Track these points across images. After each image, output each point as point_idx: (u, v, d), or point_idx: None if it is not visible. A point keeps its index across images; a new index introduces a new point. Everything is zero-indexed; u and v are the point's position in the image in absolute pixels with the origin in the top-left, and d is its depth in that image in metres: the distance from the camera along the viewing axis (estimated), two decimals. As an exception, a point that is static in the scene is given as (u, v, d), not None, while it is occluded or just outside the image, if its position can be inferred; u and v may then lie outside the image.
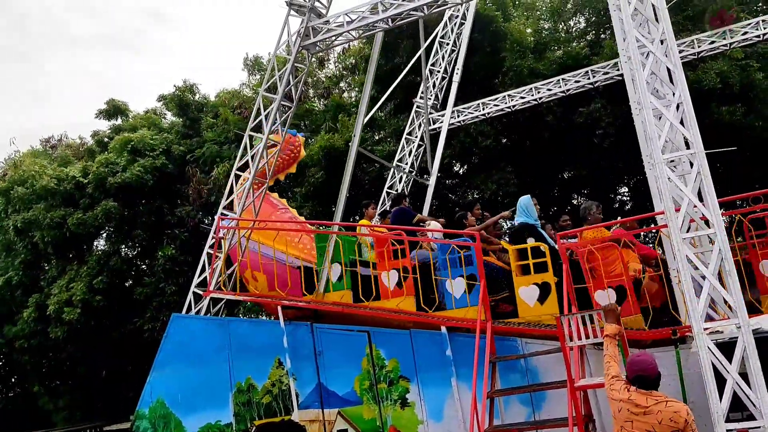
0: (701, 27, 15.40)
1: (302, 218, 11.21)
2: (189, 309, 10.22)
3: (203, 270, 10.47)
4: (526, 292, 8.16)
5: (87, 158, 21.52)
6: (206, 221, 19.23)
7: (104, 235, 20.83)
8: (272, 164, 10.74)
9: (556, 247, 8.45)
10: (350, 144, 10.65)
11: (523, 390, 7.45)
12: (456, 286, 8.53)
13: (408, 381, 8.35)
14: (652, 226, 8.30)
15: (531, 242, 8.46)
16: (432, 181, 14.18)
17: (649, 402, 4.48)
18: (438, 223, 10.39)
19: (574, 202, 19.57)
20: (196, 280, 10.43)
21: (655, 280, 7.97)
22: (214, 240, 10.48)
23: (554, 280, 8.08)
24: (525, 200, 9.30)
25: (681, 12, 16.04)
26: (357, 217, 16.26)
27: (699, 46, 13.54)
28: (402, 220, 10.09)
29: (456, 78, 14.87)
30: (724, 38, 13.35)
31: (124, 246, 20.77)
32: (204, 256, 10.55)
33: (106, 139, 21.61)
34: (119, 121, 22.32)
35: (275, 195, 11.81)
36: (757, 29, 13.18)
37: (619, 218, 14.62)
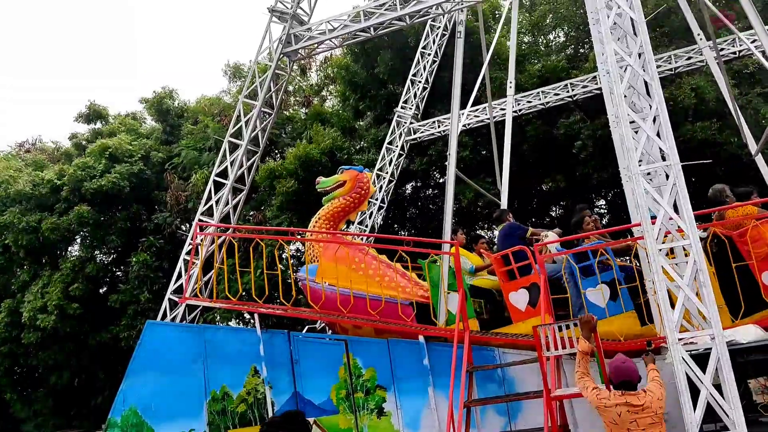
0: (678, 43, 15.69)
1: (397, 265, 10.12)
2: (164, 316, 10.09)
3: (179, 277, 10.35)
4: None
5: (64, 161, 21.23)
6: (183, 228, 19.05)
7: (79, 240, 20.53)
8: (341, 206, 9.96)
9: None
10: (447, 164, 9.80)
11: (500, 400, 7.45)
12: (599, 295, 7.76)
13: (385, 390, 8.30)
14: (623, 239, 8.29)
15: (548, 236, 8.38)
16: (504, 188, 13.13)
17: (641, 400, 4.92)
18: (554, 235, 9.40)
19: (553, 213, 19.74)
20: (171, 287, 10.31)
21: None
22: (191, 246, 10.37)
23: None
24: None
25: (658, 28, 16.33)
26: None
27: (675, 62, 13.80)
28: (514, 234, 9.17)
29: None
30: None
31: (99, 252, 20.48)
32: (180, 263, 10.44)
33: (84, 143, 21.34)
34: (98, 125, 22.07)
35: (373, 251, 10.18)
36: (733, 46, 13.47)
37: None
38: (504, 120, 15.26)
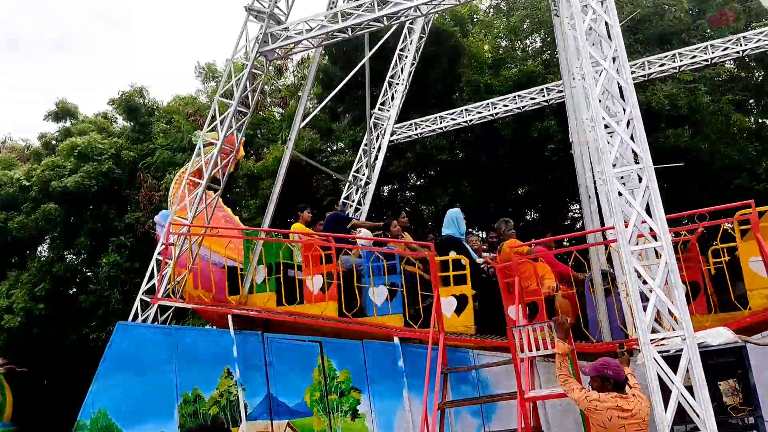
0: (651, 50, 15.94)
1: (237, 218, 11.02)
2: (135, 317, 9.91)
3: (152, 277, 10.18)
4: (445, 303, 8.27)
5: (33, 161, 20.79)
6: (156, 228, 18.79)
7: (48, 240, 20.13)
8: (210, 163, 10.58)
9: (479, 261, 8.63)
10: (285, 147, 10.52)
11: (474, 401, 7.47)
12: (378, 294, 8.60)
13: (359, 392, 8.27)
14: (584, 244, 8.61)
15: (453, 255, 8.61)
16: (371, 188, 13.97)
17: (630, 404, 4.83)
18: (369, 231, 10.31)
19: (528, 217, 19.88)
20: (143, 287, 10.13)
21: (569, 297, 8.29)
22: (163, 246, 10.22)
23: (472, 293, 8.24)
24: (454, 213, 9.53)
25: (632, 35, 16.57)
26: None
27: (649, 68, 13.98)
28: (335, 225, 10.00)
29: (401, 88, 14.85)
30: (706, 52, 13.65)
31: (68, 252, 20.09)
32: (153, 263, 10.27)
33: (53, 142, 20.93)
34: (68, 124, 21.66)
35: (211, 193, 11.60)
36: (705, 53, 13.68)
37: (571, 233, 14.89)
38: (478, 124, 15.42)
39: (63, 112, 21.59)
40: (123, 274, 18.25)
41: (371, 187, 14.20)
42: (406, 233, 9.98)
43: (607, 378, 4.91)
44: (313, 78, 11.59)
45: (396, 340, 8.14)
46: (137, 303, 10.01)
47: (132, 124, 20.54)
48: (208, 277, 9.69)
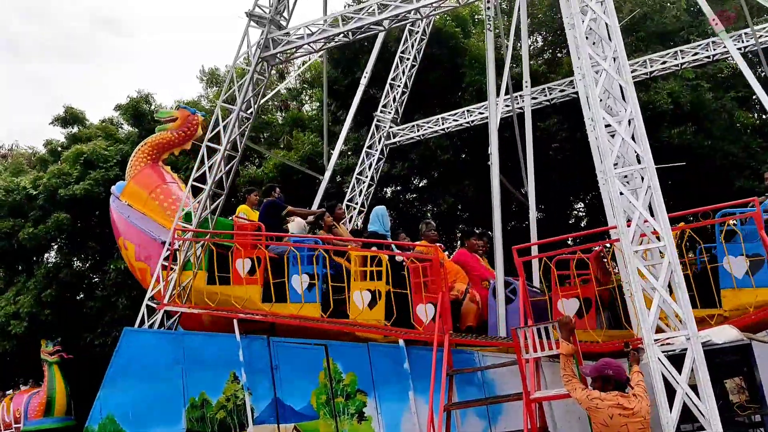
0: (653, 47, 15.91)
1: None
2: (142, 323, 9.96)
3: (157, 282, 10.23)
4: (359, 296, 8.58)
5: (39, 168, 20.87)
6: (162, 233, 18.84)
7: (55, 247, 20.20)
8: (168, 138, 11.08)
9: (398, 259, 8.99)
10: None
11: (480, 403, 7.47)
12: (300, 283, 8.87)
13: (365, 395, 8.28)
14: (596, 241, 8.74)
15: (374, 250, 8.89)
16: (326, 177, 14.10)
17: (632, 403, 4.86)
18: (302, 220, 10.57)
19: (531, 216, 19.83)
20: (149, 293, 10.18)
21: (475, 302, 8.73)
22: (168, 252, 10.26)
23: (386, 289, 8.47)
24: (380, 210, 9.97)
25: (634, 32, 16.55)
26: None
27: (651, 66, 13.96)
28: (270, 212, 10.15)
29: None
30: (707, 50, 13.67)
31: (76, 258, 20.17)
32: (158, 268, 10.31)
33: (59, 148, 21.02)
34: (75, 129, 21.75)
35: (168, 168, 11.89)
36: (707, 50, 13.65)
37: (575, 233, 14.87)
38: (480, 124, 15.40)
39: (70, 117, 21.68)
40: (129, 279, 18.30)
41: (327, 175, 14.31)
42: (340, 225, 10.46)
43: (608, 378, 4.96)
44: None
45: (401, 342, 8.15)
46: (143, 309, 10.06)
47: (138, 130, 20.62)
48: (151, 249, 10.11)
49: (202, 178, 10.73)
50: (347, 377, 8.42)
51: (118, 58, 61.28)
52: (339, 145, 10.86)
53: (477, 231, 9.81)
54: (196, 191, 10.72)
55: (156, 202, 10.81)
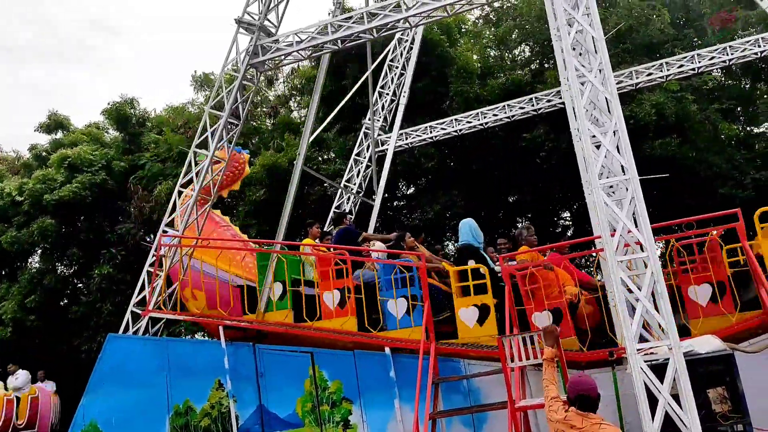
0: (639, 59, 16.10)
1: (245, 236, 10.86)
2: (126, 329, 9.90)
3: (142, 288, 10.18)
4: (466, 313, 8.22)
5: (23, 173, 20.71)
6: (148, 239, 18.74)
7: (39, 252, 20.03)
8: (217, 181, 10.57)
9: (497, 269, 8.60)
10: (295, 162, 10.45)
11: (465, 411, 7.48)
12: (398, 307, 8.51)
13: (351, 403, 8.27)
14: (587, 250, 8.64)
15: (472, 264, 8.51)
16: (377, 202, 14.06)
17: (584, 423, 4.54)
18: (382, 244, 10.21)
19: (519, 225, 19.96)
20: (134, 299, 10.13)
21: (591, 303, 8.23)
22: (154, 258, 10.22)
23: (493, 302, 8.17)
24: (469, 222, 9.33)
25: (620, 45, 16.74)
26: (302, 236, 16.10)
27: (637, 78, 14.12)
28: (346, 239, 9.91)
29: (403, 101, 14.96)
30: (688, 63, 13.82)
31: (60, 264, 20.00)
32: (144, 275, 10.26)
33: (44, 153, 20.87)
34: (60, 135, 21.61)
35: (218, 212, 11.56)
36: (692, 63, 13.83)
37: (560, 242, 14.95)
38: (468, 133, 15.51)
39: (55, 123, 21.55)
40: (114, 285, 18.20)
41: (378, 198, 14.14)
42: (420, 245, 9.87)
43: (576, 395, 4.80)
44: (320, 90, 11.44)
45: (387, 350, 8.15)
46: (128, 315, 10.00)
47: (122, 134, 20.54)
48: (224, 295, 9.52)
49: (188, 184, 10.72)
50: (333, 385, 8.41)
51: (110, 63, 60.88)
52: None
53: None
54: (182, 196, 10.73)
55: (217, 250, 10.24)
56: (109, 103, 19.97)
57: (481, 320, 8.15)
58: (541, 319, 7.62)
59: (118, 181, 19.21)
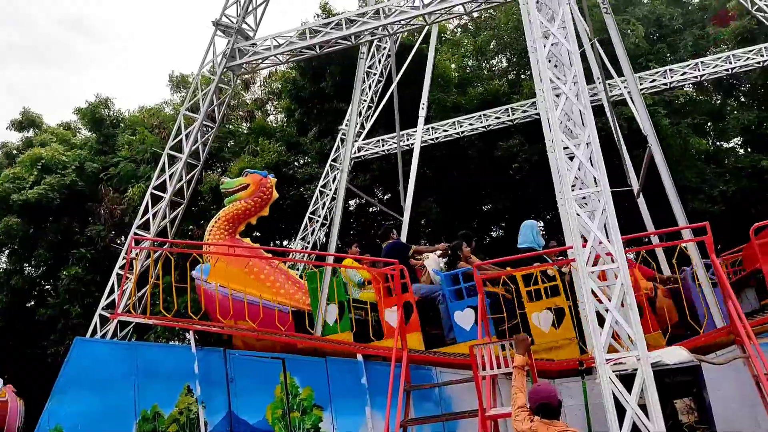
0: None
1: (293, 273, 10.19)
2: (94, 332, 9.74)
3: (112, 291, 10.03)
4: (539, 317, 7.94)
5: (-8, 171, 20.33)
6: (118, 242, 18.48)
7: (6, 252, 19.63)
8: (243, 209, 10.17)
9: (564, 270, 8.25)
10: (338, 179, 9.95)
11: (436, 419, 7.47)
12: (465, 318, 8.24)
13: (322, 410, 8.22)
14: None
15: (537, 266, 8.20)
16: (407, 210, 13.25)
17: (550, 431, 4.59)
18: (435, 256, 9.74)
19: (493, 234, 20.10)
20: (103, 302, 9.98)
21: (667, 296, 8.11)
22: (125, 260, 10.08)
23: (567, 304, 7.90)
24: (532, 225, 9.07)
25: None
26: (279, 240, 15.98)
27: (611, 91, 14.32)
28: (396, 254, 9.24)
29: (423, 112, 14.29)
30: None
31: (27, 264, 19.62)
32: (114, 277, 10.12)
33: (15, 152, 20.50)
34: (31, 134, 21.25)
35: (247, 240, 10.70)
36: (665, 78, 14.12)
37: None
38: (444, 141, 15.58)
39: (27, 121, 21.19)
40: (83, 287, 17.90)
41: (408, 204, 13.51)
42: (473, 255, 9.42)
43: (538, 404, 4.85)
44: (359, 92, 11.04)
45: (359, 357, 8.12)
46: (96, 318, 9.85)
47: (96, 135, 20.26)
48: (270, 322, 9.12)
49: (161, 187, 10.60)
50: (304, 391, 8.35)
51: (87, 63, 59.97)
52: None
53: None
54: (155, 200, 10.60)
55: (252, 277, 9.73)
56: (86, 103, 19.71)
57: (556, 323, 7.92)
58: None
59: (90, 183, 18.92)
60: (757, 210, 16.07)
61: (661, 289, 8.23)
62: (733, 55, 13.49)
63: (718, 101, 19.82)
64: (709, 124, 19.18)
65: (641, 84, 14.31)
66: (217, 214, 10.32)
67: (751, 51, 13.70)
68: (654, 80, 14.40)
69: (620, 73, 15.61)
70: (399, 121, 13.44)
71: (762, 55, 13.53)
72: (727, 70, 14.11)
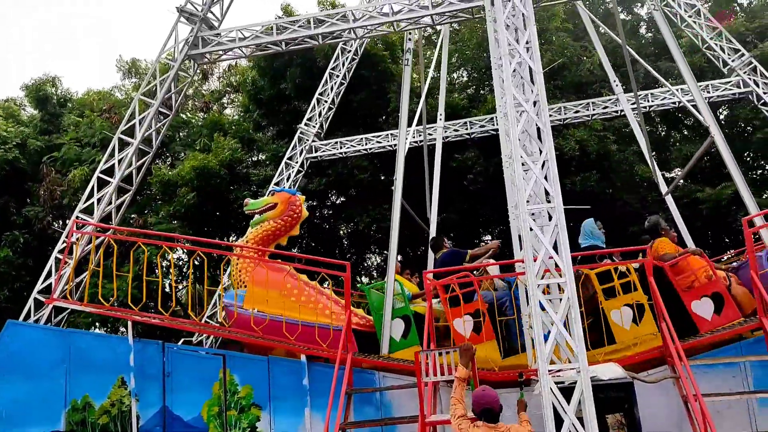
0: (568, 97, 16.84)
1: (330, 292, 9.37)
2: (28, 317, 9.36)
3: (48, 276, 9.66)
4: (619, 314, 7.78)
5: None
6: (57, 224, 17.81)
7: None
8: (272, 229, 9.65)
9: (635, 265, 8.13)
10: (393, 194, 9.47)
11: (376, 423, 7.50)
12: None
13: (260, 409, 8.12)
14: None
15: (608, 262, 8.12)
16: (434, 211, 12.98)
17: None
18: (494, 261, 9.30)
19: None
20: (39, 286, 9.59)
21: (740, 283, 7.99)
22: (65, 245, 9.73)
23: (645, 299, 7.75)
24: (590, 223, 8.94)
25: (552, 81, 17.45)
26: (232, 236, 15.69)
27: (565, 114, 14.77)
28: (455, 261, 8.95)
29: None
30: (587, 109, 14.62)
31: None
32: (51, 261, 9.75)
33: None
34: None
35: (304, 276, 9.66)
36: (616, 105, 14.60)
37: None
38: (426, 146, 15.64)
39: (-31, 94, 20.27)
40: (14, 270, 17.15)
41: (434, 206, 13.30)
42: None
43: (482, 409, 5.00)
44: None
45: (303, 357, 8.07)
46: (31, 302, 9.47)
47: (41, 113, 19.53)
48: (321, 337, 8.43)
49: (109, 172, 10.29)
50: (243, 390, 8.23)
51: (39, 38, 57.66)
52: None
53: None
54: (101, 184, 10.27)
55: (292, 299, 9.03)
56: (31, 80, 18.98)
57: (637, 319, 7.76)
58: (702, 307, 7.63)
59: (32, 162, 18.20)
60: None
61: (733, 277, 8.14)
62: (680, 89, 14.04)
63: (663, 132, 20.63)
64: (653, 153, 19.91)
65: (594, 109, 14.79)
66: (245, 237, 9.73)
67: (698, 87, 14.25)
68: (606, 107, 14.90)
69: (574, 98, 16.12)
70: (425, 121, 13.31)
71: (708, 92, 14.14)
72: (674, 102, 14.72)
